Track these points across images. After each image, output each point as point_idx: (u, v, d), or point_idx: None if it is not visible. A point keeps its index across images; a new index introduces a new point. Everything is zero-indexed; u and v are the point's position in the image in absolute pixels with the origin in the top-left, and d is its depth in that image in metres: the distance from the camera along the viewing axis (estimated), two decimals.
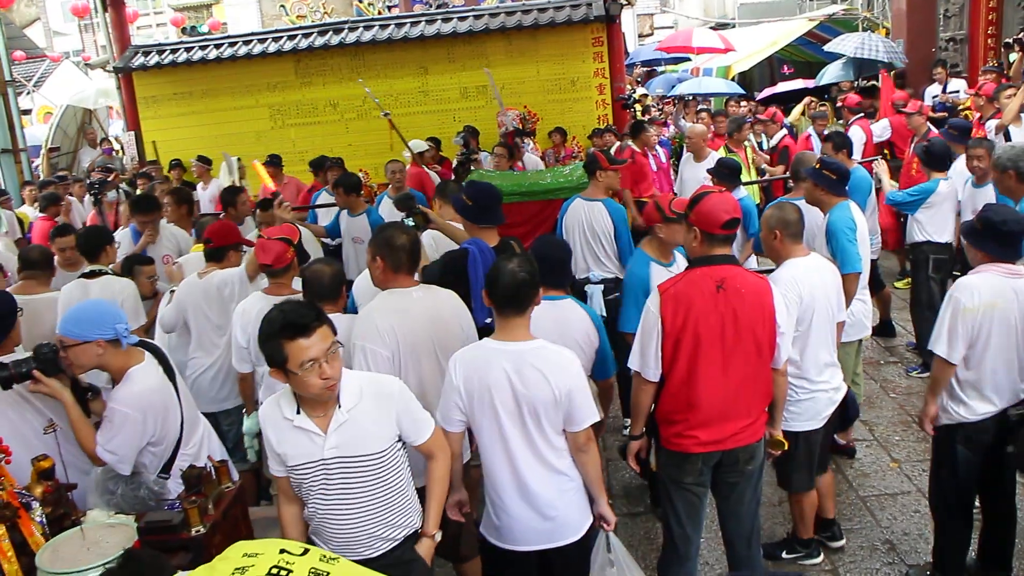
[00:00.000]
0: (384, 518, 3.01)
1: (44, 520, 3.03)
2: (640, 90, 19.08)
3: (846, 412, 4.54)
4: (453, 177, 8.56)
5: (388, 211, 7.57)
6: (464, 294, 4.17)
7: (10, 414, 3.63)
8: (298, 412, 2.91)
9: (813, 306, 4.20)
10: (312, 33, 12.44)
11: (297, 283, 4.52)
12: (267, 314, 2.83)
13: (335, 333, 2.86)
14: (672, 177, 9.90)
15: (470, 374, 3.26)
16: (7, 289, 5.02)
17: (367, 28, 12.35)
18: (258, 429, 3.48)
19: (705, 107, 13.71)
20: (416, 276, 4.01)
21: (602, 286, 6.01)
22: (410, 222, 5.02)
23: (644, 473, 4.17)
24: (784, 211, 4.36)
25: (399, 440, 3.06)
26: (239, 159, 10.94)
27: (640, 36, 31.54)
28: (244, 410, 4.85)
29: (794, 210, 4.38)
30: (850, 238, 4.99)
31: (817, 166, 5.33)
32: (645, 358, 3.63)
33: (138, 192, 9.42)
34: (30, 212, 10.41)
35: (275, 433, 2.98)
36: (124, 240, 6.73)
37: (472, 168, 8.70)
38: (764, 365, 3.66)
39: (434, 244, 5.34)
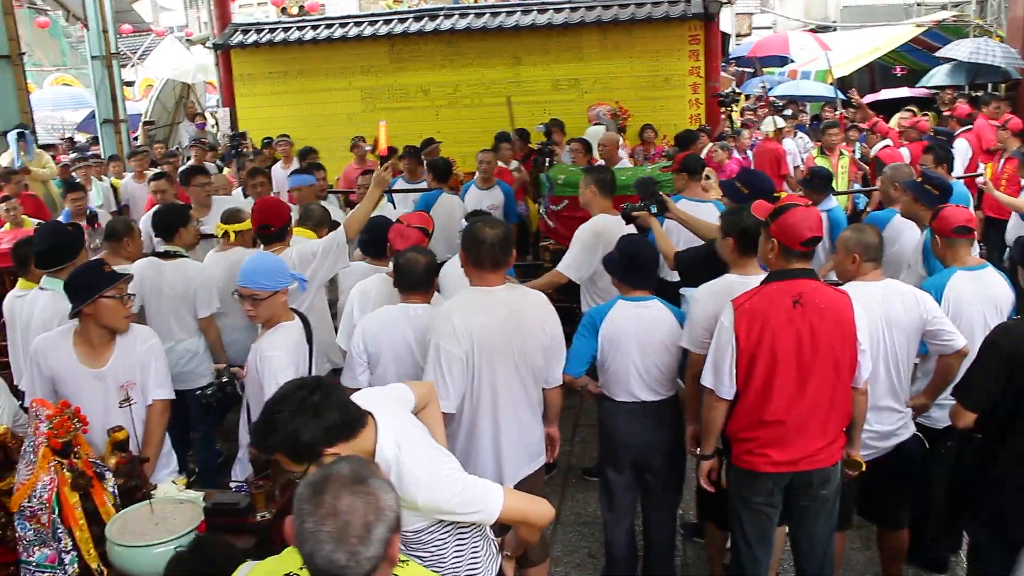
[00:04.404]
0: None
1: (116, 490, 3.09)
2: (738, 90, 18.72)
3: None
4: (532, 168, 8.50)
5: (475, 201, 7.60)
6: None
7: (89, 387, 3.72)
8: None
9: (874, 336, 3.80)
10: (408, 18, 12.51)
11: None
12: None
13: None
14: None
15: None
16: None
17: (462, 16, 12.36)
18: None
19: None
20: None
21: None
22: (652, 208, 4.91)
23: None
24: (864, 234, 4.04)
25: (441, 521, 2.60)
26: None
27: (738, 36, 30.90)
28: None
29: (875, 233, 4.06)
30: None
31: (919, 179, 5.11)
32: (719, 375, 3.48)
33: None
34: (131, 184, 10.55)
35: None
36: None
37: (551, 162, 8.58)
38: (843, 384, 3.48)
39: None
